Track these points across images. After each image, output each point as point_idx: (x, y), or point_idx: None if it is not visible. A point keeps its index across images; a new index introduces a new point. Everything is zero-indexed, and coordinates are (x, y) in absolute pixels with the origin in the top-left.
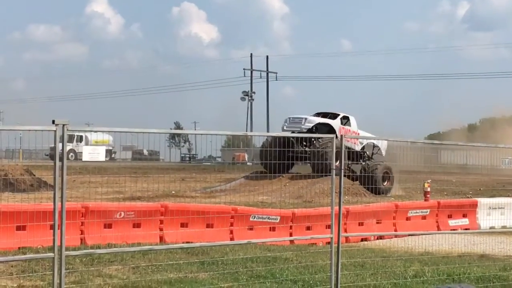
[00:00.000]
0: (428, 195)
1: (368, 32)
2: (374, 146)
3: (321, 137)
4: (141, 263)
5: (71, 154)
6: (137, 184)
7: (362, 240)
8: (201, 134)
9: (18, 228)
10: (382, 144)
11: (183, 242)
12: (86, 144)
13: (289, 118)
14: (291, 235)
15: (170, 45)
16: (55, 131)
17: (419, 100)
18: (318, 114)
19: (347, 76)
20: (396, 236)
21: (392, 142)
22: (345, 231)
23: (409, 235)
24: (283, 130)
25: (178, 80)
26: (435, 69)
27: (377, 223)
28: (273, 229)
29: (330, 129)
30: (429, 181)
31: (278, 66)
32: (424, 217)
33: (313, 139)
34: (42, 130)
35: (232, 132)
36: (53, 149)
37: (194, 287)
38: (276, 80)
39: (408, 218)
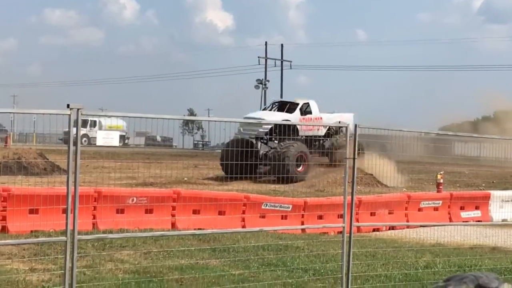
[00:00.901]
0: (440, 187)
1: (383, 22)
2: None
3: (284, 140)
4: (152, 248)
5: (84, 139)
6: (150, 170)
7: (374, 230)
8: (215, 121)
9: (31, 212)
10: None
11: (194, 229)
12: (100, 129)
13: (244, 118)
14: (302, 223)
15: (185, 32)
16: (69, 115)
17: (433, 91)
18: (275, 104)
19: (361, 66)
20: (408, 226)
21: (404, 133)
22: (357, 221)
23: (421, 226)
24: (240, 132)
25: (193, 67)
26: (449, 60)
27: (389, 213)
28: (285, 217)
29: (290, 125)
30: (441, 172)
31: (292, 54)
32: (436, 209)
33: (274, 140)
34: (56, 114)
35: (246, 119)
36: (67, 133)
37: (205, 273)
38: (291, 68)
39: (420, 209)
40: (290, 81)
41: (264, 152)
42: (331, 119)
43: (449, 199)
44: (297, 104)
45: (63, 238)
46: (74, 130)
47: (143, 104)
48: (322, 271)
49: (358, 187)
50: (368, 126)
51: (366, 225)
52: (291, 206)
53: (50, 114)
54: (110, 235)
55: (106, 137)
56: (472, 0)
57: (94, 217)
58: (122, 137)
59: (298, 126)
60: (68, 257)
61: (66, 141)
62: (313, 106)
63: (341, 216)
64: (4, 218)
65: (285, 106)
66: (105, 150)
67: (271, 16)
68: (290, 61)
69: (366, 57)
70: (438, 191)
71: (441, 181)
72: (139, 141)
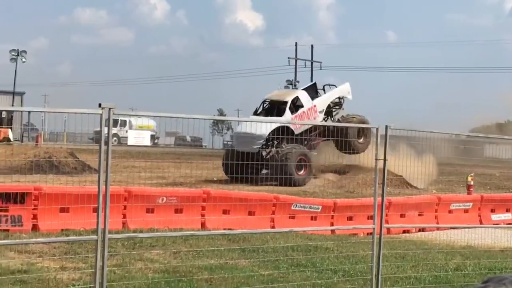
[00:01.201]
0: (471, 189)
1: (413, 24)
2: (339, 98)
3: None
4: (182, 248)
5: (114, 138)
6: (180, 170)
7: (403, 232)
8: (245, 121)
9: (62, 210)
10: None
11: (224, 229)
12: (130, 128)
13: (236, 135)
14: (332, 224)
15: (215, 32)
16: (101, 114)
17: (463, 93)
18: (265, 103)
19: (391, 67)
20: (438, 228)
21: (435, 134)
22: (387, 222)
23: (451, 228)
24: (235, 148)
25: (222, 67)
26: (481, 62)
27: (419, 215)
28: (314, 218)
29: (284, 128)
30: (472, 174)
31: (322, 55)
32: (466, 211)
33: (275, 147)
34: (88, 114)
35: (276, 120)
36: (98, 132)
37: (235, 273)
38: (320, 69)
39: (450, 211)
40: (320, 82)
41: (267, 155)
42: (326, 100)
43: (479, 201)
44: (285, 102)
45: (94, 237)
46: (105, 129)
47: (173, 104)
48: (352, 272)
49: (388, 188)
50: (399, 128)
51: (396, 226)
52: (320, 207)
53: (82, 113)
54: (141, 234)
55: (137, 137)
56: (504, 1)
57: (124, 216)
58: (152, 137)
59: (292, 127)
60: (99, 256)
61: (96, 140)
62: (303, 97)
63: (370, 217)
64: (35, 217)
65: (275, 106)
66: (135, 149)
67: (301, 16)
68: (320, 62)
69: (395, 58)
70: (468, 193)
71: (472, 183)
72: (169, 141)
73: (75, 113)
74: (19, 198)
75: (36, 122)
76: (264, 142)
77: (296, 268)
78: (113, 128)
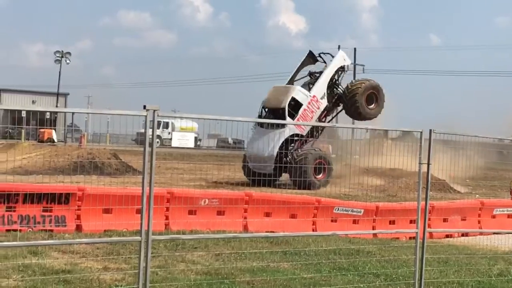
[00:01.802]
0: None
1: (457, 27)
2: (338, 71)
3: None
4: (224, 250)
5: (157, 140)
6: (222, 172)
7: (446, 236)
8: (287, 124)
9: (105, 211)
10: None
11: (266, 231)
12: (173, 130)
13: (249, 156)
14: (373, 228)
15: (258, 35)
16: (145, 116)
17: (508, 97)
18: (264, 111)
19: (434, 71)
20: (481, 233)
21: (479, 139)
22: (429, 226)
23: (494, 233)
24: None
25: (265, 69)
26: None
27: (462, 220)
28: (356, 221)
29: (290, 136)
30: None
31: (365, 58)
32: (510, 216)
33: (291, 150)
34: (133, 115)
35: (319, 123)
36: (141, 134)
37: (276, 276)
38: (363, 72)
39: (493, 216)
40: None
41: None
42: (323, 83)
43: None
44: (283, 109)
45: (138, 238)
46: (150, 131)
47: (214, 106)
48: (394, 276)
49: (430, 192)
50: (443, 132)
51: (439, 231)
52: (362, 211)
53: (127, 115)
54: (183, 236)
55: (181, 139)
56: None
57: (166, 218)
58: (195, 139)
59: (298, 130)
60: (142, 257)
61: (140, 141)
62: (299, 95)
63: (413, 221)
64: (78, 217)
65: (274, 113)
66: (177, 151)
67: (344, 19)
68: (363, 65)
69: (439, 62)
70: None
71: None
72: (211, 143)
73: (120, 114)
74: (63, 198)
75: (80, 123)
76: (276, 160)
77: (338, 271)
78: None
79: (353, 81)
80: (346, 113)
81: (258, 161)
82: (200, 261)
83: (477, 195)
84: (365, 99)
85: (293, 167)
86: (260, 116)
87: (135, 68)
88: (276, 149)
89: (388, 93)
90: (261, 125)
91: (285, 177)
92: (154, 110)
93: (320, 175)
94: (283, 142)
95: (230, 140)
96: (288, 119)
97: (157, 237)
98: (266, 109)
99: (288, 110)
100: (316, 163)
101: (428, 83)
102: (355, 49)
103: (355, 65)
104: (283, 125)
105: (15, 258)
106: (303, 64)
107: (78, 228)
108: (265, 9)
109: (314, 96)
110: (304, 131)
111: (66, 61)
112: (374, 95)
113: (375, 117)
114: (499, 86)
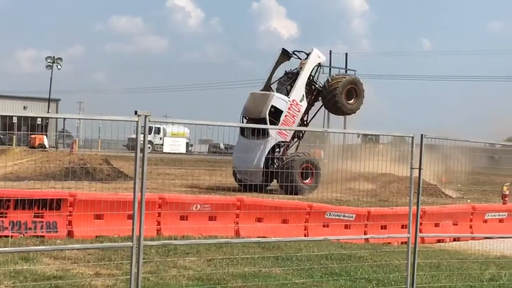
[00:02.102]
0: (506, 198)
1: (449, 32)
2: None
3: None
4: (216, 255)
5: (148, 145)
6: (214, 177)
7: (437, 241)
8: (278, 129)
9: (96, 217)
10: (314, 59)
11: (258, 237)
12: (164, 136)
13: (237, 170)
14: (365, 233)
15: (249, 40)
16: (137, 121)
17: (500, 102)
18: (244, 119)
19: (426, 76)
20: (472, 238)
21: (470, 143)
22: (421, 231)
23: (485, 238)
24: (242, 180)
25: (257, 74)
26: None
27: (454, 224)
28: (348, 227)
29: (273, 145)
30: (508, 184)
31: (356, 63)
32: (501, 220)
33: (279, 156)
34: (124, 121)
35: (310, 128)
36: (132, 139)
37: (268, 281)
38: None
39: (485, 221)
40: None
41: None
42: (301, 85)
43: None
44: (264, 118)
45: (129, 243)
46: (141, 136)
47: (206, 111)
48: (386, 281)
49: (422, 197)
50: (434, 136)
51: (431, 235)
52: (354, 216)
53: (118, 120)
54: (175, 242)
55: (173, 144)
56: None
57: (158, 224)
58: (187, 144)
59: (281, 137)
60: (133, 263)
61: (131, 147)
62: (277, 102)
63: (404, 226)
64: (70, 223)
65: (257, 123)
66: (168, 157)
67: (335, 24)
68: (355, 70)
69: (431, 67)
70: (503, 203)
71: (507, 192)
72: (203, 149)
73: (111, 120)
74: (54, 204)
75: (71, 129)
76: (262, 173)
77: (330, 276)
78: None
79: (333, 76)
80: (326, 108)
81: (246, 173)
82: (192, 266)
83: (469, 200)
84: (345, 94)
85: (280, 172)
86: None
87: (126, 73)
88: (263, 161)
89: (380, 98)
90: (243, 134)
91: (274, 183)
92: (146, 116)
93: (308, 180)
94: (268, 151)
95: (222, 146)
96: (270, 131)
97: (148, 243)
98: (247, 118)
99: (269, 118)
100: (303, 167)
101: (420, 88)
102: (346, 54)
103: (346, 70)
104: (266, 135)
105: (6, 264)
106: (278, 63)
107: (70, 234)
108: (256, 14)
109: (293, 100)
110: (288, 136)
111: (57, 66)
112: (354, 90)
113: (355, 112)
114: (491, 90)
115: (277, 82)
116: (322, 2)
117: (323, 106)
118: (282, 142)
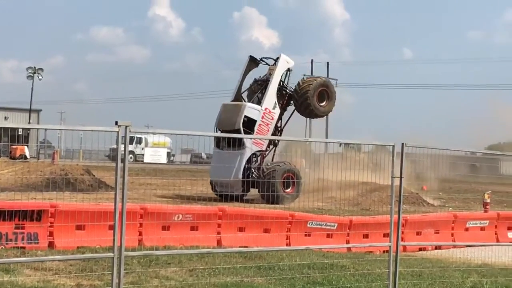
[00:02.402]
0: (487, 206)
1: (430, 41)
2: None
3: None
4: (198, 266)
5: (130, 155)
6: (196, 187)
7: (419, 249)
8: (260, 139)
9: (78, 228)
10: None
11: (240, 246)
12: (146, 146)
13: (212, 181)
14: (347, 242)
15: (231, 50)
16: (117, 132)
17: (479, 110)
18: (218, 130)
19: (407, 84)
20: (454, 246)
21: (451, 152)
22: (403, 240)
23: (467, 246)
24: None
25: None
26: (498, 79)
27: (435, 233)
28: (330, 235)
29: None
30: (489, 192)
31: (338, 72)
32: (483, 229)
33: (258, 166)
34: (105, 131)
35: (292, 138)
36: (114, 150)
37: None
38: (336, 86)
39: (466, 229)
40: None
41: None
42: (272, 92)
43: (496, 219)
44: (238, 130)
45: (110, 254)
46: (122, 146)
47: (188, 121)
48: None
49: (404, 206)
50: (415, 145)
51: (412, 244)
52: (336, 225)
53: (99, 131)
54: (157, 252)
55: (154, 154)
56: None
57: (140, 234)
58: (168, 154)
59: (257, 147)
60: (115, 273)
61: (113, 157)
62: (249, 111)
63: (386, 235)
64: (51, 234)
65: (233, 142)
66: (150, 167)
67: (316, 34)
68: (336, 79)
69: (412, 76)
70: (485, 211)
71: (488, 200)
72: (185, 158)
73: (92, 130)
74: (35, 215)
75: (52, 140)
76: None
77: (312, 285)
78: (129, 146)
79: (303, 79)
80: (299, 111)
81: (225, 185)
82: (174, 277)
83: (450, 208)
84: (316, 96)
85: (261, 182)
86: (215, 138)
87: (108, 83)
88: (241, 172)
89: (361, 106)
90: (218, 146)
91: (253, 192)
92: (126, 126)
93: (289, 189)
94: (246, 161)
95: (204, 155)
96: (246, 141)
97: (130, 253)
98: (221, 130)
99: (243, 129)
100: (284, 177)
101: (401, 96)
102: (328, 63)
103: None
104: (242, 146)
105: None
106: (246, 71)
107: (51, 245)
108: (237, 24)
109: (266, 109)
110: (264, 145)
111: (38, 77)
112: (325, 92)
113: (327, 114)
114: (471, 99)
115: (247, 90)
116: (303, 11)
117: (295, 111)
118: (258, 151)
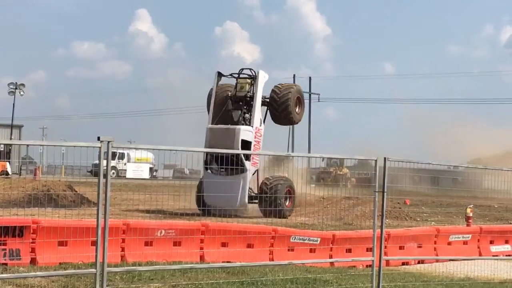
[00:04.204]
0: (470, 220)
1: (411, 56)
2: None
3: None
4: (181, 281)
5: (112, 171)
6: (178, 202)
7: (402, 264)
8: (243, 154)
9: (60, 244)
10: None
11: (223, 262)
12: (128, 161)
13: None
14: (330, 257)
15: (213, 65)
16: (100, 147)
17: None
18: (209, 160)
19: (389, 99)
20: (437, 260)
21: (433, 166)
22: (386, 254)
23: (450, 260)
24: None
25: None
26: (478, 93)
27: (418, 247)
28: (313, 250)
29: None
30: (471, 206)
31: (320, 87)
32: (465, 242)
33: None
34: (87, 147)
35: (274, 152)
36: (96, 165)
37: None
38: (319, 101)
39: (449, 243)
40: (318, 114)
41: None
42: (258, 110)
43: (478, 233)
44: (237, 155)
45: (93, 270)
46: (104, 162)
47: (170, 136)
48: None
49: (387, 220)
50: (397, 159)
51: (395, 258)
52: (319, 239)
53: (81, 146)
54: (139, 268)
55: (136, 170)
56: (500, 33)
57: (122, 250)
58: (151, 170)
59: (252, 168)
60: None
61: (94, 173)
62: (245, 134)
63: (369, 249)
64: (33, 250)
65: (227, 159)
66: (132, 182)
67: (298, 49)
68: (318, 94)
69: (393, 90)
70: (467, 225)
71: (471, 214)
72: (168, 174)
73: (74, 146)
74: (17, 231)
75: (34, 155)
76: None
77: None
78: (112, 161)
79: (277, 87)
80: (276, 120)
81: (229, 211)
82: None
83: (433, 222)
84: (294, 104)
85: (264, 197)
86: (206, 162)
87: (90, 99)
88: (246, 196)
89: (343, 121)
90: (209, 169)
91: (251, 208)
92: (108, 142)
93: (288, 203)
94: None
95: (187, 171)
96: (246, 164)
97: (112, 269)
98: (214, 156)
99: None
100: (286, 191)
101: (383, 110)
102: (310, 78)
103: (310, 93)
104: (242, 170)
105: None
106: (217, 86)
107: (33, 261)
108: (219, 39)
109: (256, 128)
110: (258, 163)
111: (20, 92)
112: (299, 99)
113: (299, 121)
114: (452, 113)
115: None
116: (285, 26)
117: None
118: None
